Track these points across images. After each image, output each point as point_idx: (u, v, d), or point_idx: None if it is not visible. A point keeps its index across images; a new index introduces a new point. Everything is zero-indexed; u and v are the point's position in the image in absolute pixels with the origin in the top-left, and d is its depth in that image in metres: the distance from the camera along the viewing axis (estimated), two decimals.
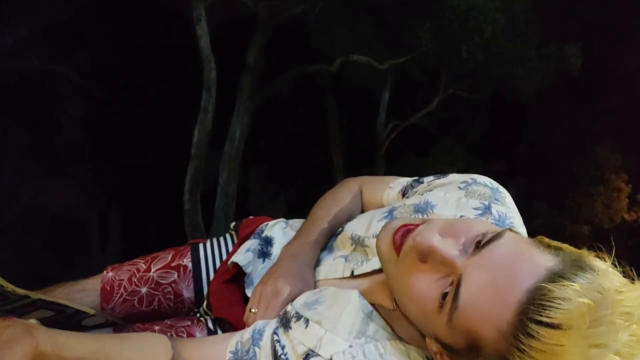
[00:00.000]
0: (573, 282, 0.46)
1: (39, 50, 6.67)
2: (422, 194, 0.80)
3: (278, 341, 0.66)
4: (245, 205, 8.55)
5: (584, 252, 0.52)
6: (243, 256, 0.90)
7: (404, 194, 0.87)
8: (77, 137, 7.74)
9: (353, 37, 7.43)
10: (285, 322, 0.69)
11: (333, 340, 0.63)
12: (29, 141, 7.32)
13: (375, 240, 0.75)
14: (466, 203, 0.74)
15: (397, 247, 0.59)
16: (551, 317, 0.44)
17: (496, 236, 0.53)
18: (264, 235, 0.94)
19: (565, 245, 0.54)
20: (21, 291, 0.67)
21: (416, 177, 0.88)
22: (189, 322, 0.94)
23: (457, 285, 0.52)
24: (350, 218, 0.88)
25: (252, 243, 0.93)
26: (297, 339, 0.65)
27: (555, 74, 8.14)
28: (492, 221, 0.71)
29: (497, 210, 0.73)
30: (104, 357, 0.60)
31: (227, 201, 6.63)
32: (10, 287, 0.65)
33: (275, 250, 0.92)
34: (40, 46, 6.73)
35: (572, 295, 0.45)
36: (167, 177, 7.40)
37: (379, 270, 0.71)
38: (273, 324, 0.71)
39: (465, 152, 9.17)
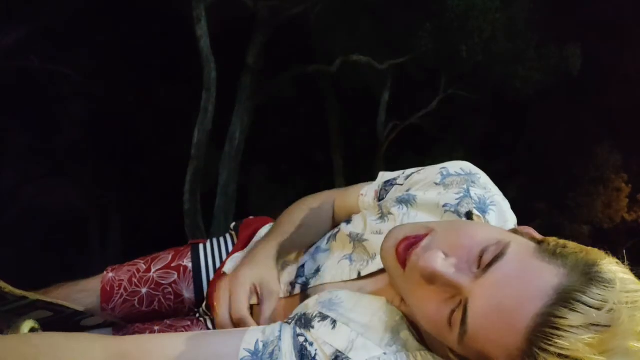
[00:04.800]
0: (582, 302, 0.45)
1: (39, 50, 6.66)
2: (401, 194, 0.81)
3: (306, 340, 0.63)
4: (245, 205, 8.54)
5: (593, 254, 0.51)
6: (231, 265, 0.91)
7: (380, 198, 0.86)
8: (77, 137, 7.72)
9: (353, 37, 7.42)
10: (305, 323, 0.66)
11: (366, 345, 0.61)
12: (29, 141, 7.31)
13: (373, 236, 0.75)
14: (446, 194, 0.75)
15: (402, 261, 0.59)
16: (560, 348, 0.45)
17: (499, 254, 0.52)
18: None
19: (572, 246, 0.53)
20: (19, 292, 0.67)
21: (387, 179, 0.87)
22: (189, 322, 0.95)
23: (464, 310, 0.52)
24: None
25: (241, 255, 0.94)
26: (321, 339, 0.63)
27: (555, 74, 8.14)
28: (474, 205, 0.72)
29: (475, 194, 0.74)
30: None
31: (227, 201, 6.63)
32: (8, 288, 0.65)
33: None
34: (40, 46, 6.72)
35: (581, 321, 0.45)
36: (167, 177, 7.39)
37: (385, 270, 0.71)
38: (289, 327, 0.66)
39: (465, 152, 9.14)
